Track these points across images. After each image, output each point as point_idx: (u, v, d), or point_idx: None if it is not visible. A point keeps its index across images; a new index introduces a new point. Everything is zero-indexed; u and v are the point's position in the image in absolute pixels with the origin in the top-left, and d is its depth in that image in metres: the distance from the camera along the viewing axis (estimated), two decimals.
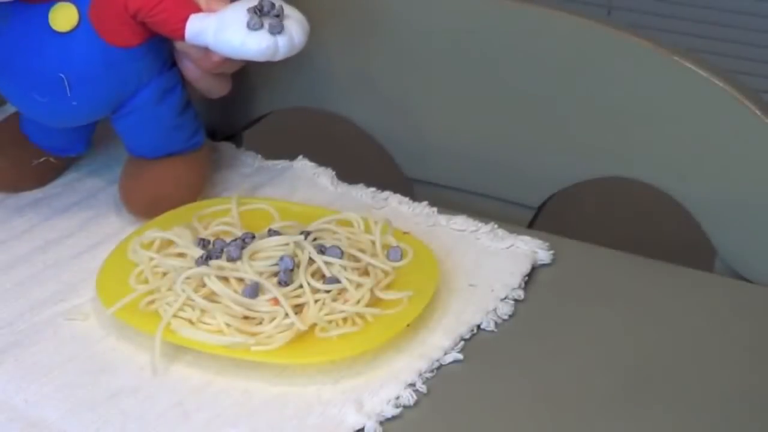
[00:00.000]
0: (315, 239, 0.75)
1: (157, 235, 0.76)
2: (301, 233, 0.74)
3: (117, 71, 0.79)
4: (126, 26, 0.78)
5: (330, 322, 0.70)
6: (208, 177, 0.88)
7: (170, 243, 0.76)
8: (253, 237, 0.75)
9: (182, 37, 0.77)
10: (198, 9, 0.77)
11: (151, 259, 0.74)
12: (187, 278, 0.71)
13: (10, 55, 0.79)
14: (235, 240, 0.74)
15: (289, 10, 0.78)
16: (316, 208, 0.82)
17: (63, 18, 0.77)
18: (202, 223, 0.79)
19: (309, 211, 0.81)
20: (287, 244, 0.73)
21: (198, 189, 0.85)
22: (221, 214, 0.80)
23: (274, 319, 0.69)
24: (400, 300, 0.71)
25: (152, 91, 0.82)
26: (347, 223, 0.78)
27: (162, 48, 0.82)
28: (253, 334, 0.68)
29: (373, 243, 0.76)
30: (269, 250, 0.73)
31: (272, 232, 0.75)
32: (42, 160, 0.87)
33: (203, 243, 0.75)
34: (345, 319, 0.70)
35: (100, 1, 0.78)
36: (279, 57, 0.77)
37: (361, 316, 0.70)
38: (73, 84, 0.78)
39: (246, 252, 0.72)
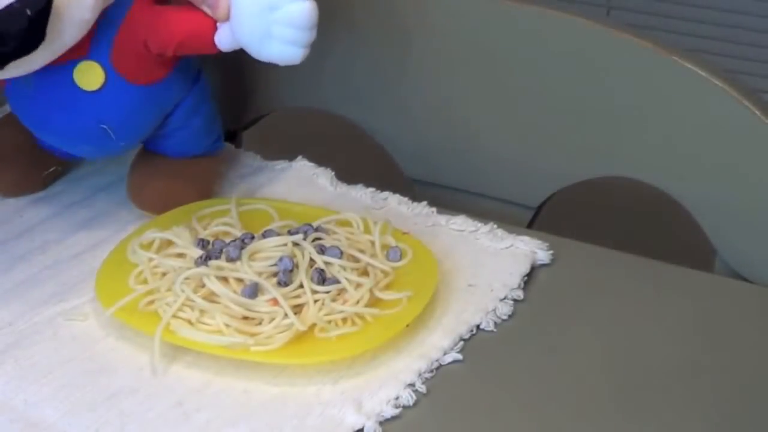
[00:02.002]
0: (314, 239, 0.75)
1: (157, 236, 0.76)
2: (300, 233, 0.74)
3: (154, 104, 0.80)
4: (152, 64, 0.78)
5: (329, 322, 0.70)
6: (219, 178, 0.88)
7: (170, 243, 0.76)
8: (253, 237, 0.75)
9: (218, 53, 0.77)
10: (206, 17, 0.76)
11: (151, 259, 0.74)
12: (187, 278, 0.71)
13: (46, 113, 0.78)
14: (235, 240, 0.74)
15: None
16: (316, 209, 0.82)
17: (90, 78, 0.76)
18: (202, 223, 0.79)
19: (308, 212, 0.81)
20: (286, 245, 0.73)
21: (209, 189, 0.86)
22: (221, 215, 0.80)
23: (273, 319, 0.69)
24: (400, 300, 0.71)
25: (186, 107, 0.82)
26: (347, 224, 0.78)
27: (189, 65, 0.82)
28: (253, 335, 0.68)
29: (373, 243, 0.76)
30: (269, 250, 0.73)
31: (271, 233, 0.75)
32: (52, 170, 0.87)
33: (203, 243, 0.75)
34: (344, 320, 0.70)
35: (120, 49, 0.77)
36: None
37: (360, 316, 0.70)
38: (116, 129, 0.78)
39: (245, 252, 0.72)
